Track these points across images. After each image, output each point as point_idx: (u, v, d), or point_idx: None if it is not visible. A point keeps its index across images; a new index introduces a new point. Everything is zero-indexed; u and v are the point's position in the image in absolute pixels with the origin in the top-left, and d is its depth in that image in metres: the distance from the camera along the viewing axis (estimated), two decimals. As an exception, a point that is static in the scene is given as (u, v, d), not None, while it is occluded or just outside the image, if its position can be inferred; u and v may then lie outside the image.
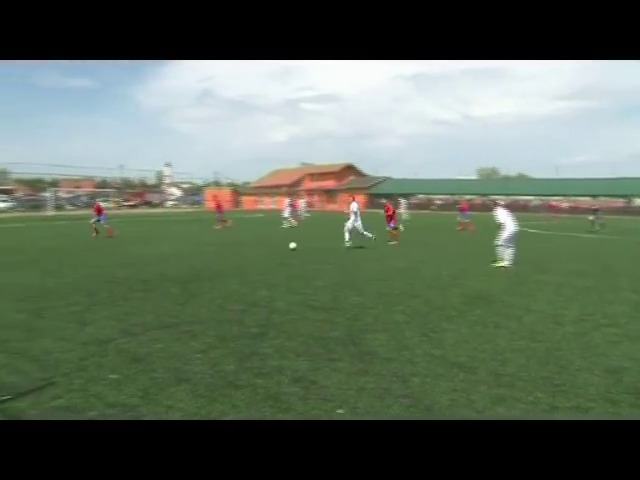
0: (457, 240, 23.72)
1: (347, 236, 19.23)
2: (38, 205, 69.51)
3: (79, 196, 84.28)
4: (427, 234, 27.37)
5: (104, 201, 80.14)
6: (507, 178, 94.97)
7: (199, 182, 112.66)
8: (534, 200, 71.19)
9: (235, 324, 7.59)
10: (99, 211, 24.95)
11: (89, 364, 5.87)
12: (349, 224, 19.43)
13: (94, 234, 23.83)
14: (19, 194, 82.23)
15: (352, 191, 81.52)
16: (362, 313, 8.32)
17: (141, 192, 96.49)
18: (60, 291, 10.28)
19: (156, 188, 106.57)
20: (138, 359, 6.02)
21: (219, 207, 33.38)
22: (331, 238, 22.70)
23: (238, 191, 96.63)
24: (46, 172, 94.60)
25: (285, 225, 32.60)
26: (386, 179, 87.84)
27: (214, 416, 4.49)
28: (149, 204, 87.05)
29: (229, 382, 5.27)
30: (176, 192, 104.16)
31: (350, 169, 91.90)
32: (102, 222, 24.54)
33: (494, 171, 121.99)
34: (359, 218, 19.53)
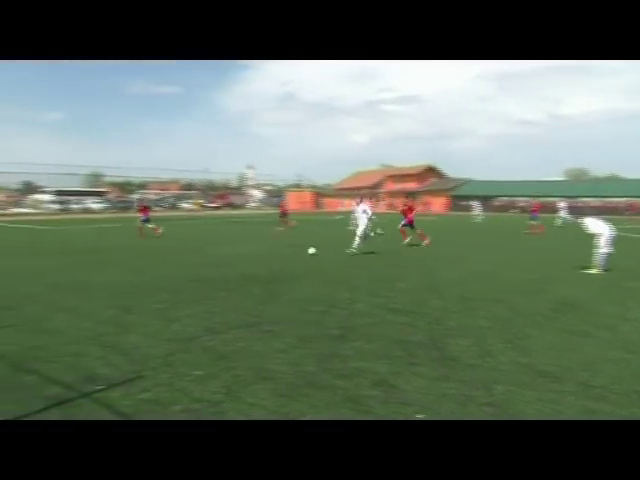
0: (533, 244, 22.88)
1: (358, 241, 17.60)
2: (128, 206, 72.82)
3: (165, 198, 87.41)
4: (501, 238, 26.59)
5: (187, 203, 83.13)
6: (597, 179, 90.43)
7: (281, 184, 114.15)
8: (623, 202, 67.45)
9: (315, 325, 7.64)
10: (144, 212, 26.11)
11: (174, 360, 6.07)
12: (361, 230, 17.85)
13: (142, 235, 24.77)
14: (111, 196, 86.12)
15: (433, 193, 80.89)
16: (443, 317, 8.18)
17: (224, 194, 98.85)
18: (147, 289, 10.71)
19: (239, 190, 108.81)
20: (221, 356, 6.17)
21: (284, 210, 34.16)
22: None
23: (319, 193, 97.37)
24: (135, 175, 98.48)
25: (351, 227, 32.70)
26: (468, 181, 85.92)
27: (293, 416, 4.53)
28: (232, 206, 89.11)
29: (309, 382, 5.31)
30: (258, 194, 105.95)
31: (431, 171, 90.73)
32: (146, 222, 25.62)
33: (583, 172, 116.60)
34: (365, 221, 18.06)
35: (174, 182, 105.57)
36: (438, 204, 77.83)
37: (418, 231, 20.94)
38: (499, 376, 5.53)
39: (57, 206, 69.58)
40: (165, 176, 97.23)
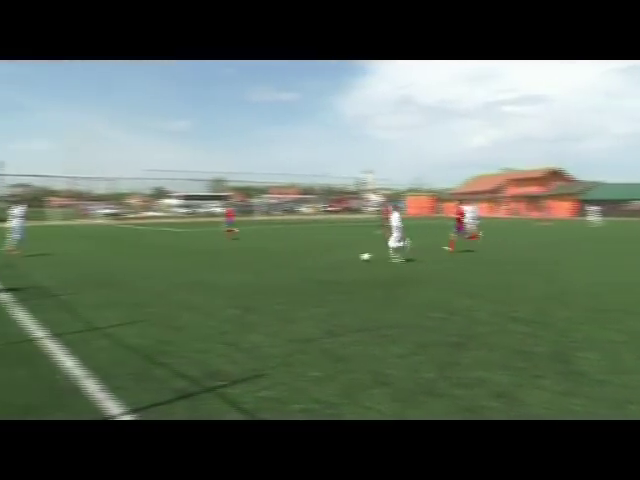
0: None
1: (397, 248, 16.92)
2: (249, 210, 75.65)
3: (285, 202, 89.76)
4: (630, 245, 24.73)
5: (306, 207, 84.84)
6: None
7: (399, 188, 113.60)
8: None
9: (435, 332, 7.52)
10: (230, 216, 29.11)
11: (294, 360, 6.21)
12: (394, 240, 17.02)
13: (230, 237, 26.92)
14: (233, 200, 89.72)
15: (558, 197, 76.84)
16: (570, 329, 7.74)
17: (342, 198, 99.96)
18: (268, 291, 11.06)
19: (357, 194, 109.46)
20: (339, 359, 6.23)
21: (386, 214, 34.24)
22: (533, 248, 21.58)
23: (437, 197, 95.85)
24: (257, 180, 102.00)
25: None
26: (598, 184, 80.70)
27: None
28: (350, 210, 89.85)
29: (427, 389, 5.23)
30: (376, 198, 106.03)
31: (556, 174, 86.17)
32: (230, 225, 28.16)
33: None
34: (399, 230, 17.04)
35: (293, 187, 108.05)
36: (563, 209, 73.79)
37: (466, 236, 20.83)
38: (634, 395, 5.14)
39: (184, 210, 73.53)
40: (284, 181, 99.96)
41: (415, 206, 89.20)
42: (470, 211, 34.77)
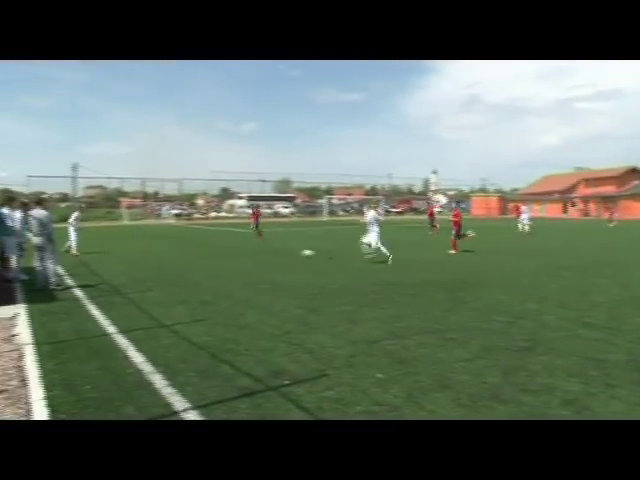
0: None
1: (383, 249, 16.42)
2: (314, 211, 76.27)
3: (350, 203, 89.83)
4: None
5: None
6: None
7: (465, 189, 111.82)
8: None
9: (501, 335, 7.33)
10: (256, 217, 31.49)
11: (357, 362, 6.19)
12: (372, 239, 16.66)
13: (258, 237, 28.67)
14: (298, 201, 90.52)
15: (636, 197, 73.31)
16: (647, 336, 7.39)
17: (407, 199, 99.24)
18: (332, 291, 11.09)
19: (422, 195, 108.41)
20: (403, 361, 6.18)
21: (431, 215, 35.88)
22: (606, 250, 20.79)
23: (505, 198, 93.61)
24: (322, 181, 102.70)
25: (520, 229, 32.99)
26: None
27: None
28: (415, 211, 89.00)
29: (493, 395, 5.10)
30: (442, 199, 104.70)
31: (634, 172, 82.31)
32: (255, 226, 30.61)
33: None
34: (375, 229, 16.68)
35: (358, 187, 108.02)
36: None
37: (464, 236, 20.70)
38: None
39: (250, 210, 74.81)
40: (350, 181, 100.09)
41: (481, 207, 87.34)
42: (525, 211, 34.12)
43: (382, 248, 16.43)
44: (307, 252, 18.11)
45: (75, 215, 21.05)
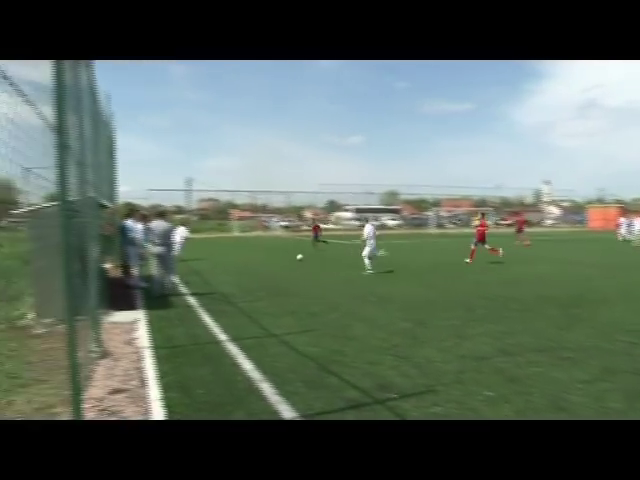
0: None
1: (367, 262, 17.05)
2: (421, 223, 75.45)
3: (457, 215, 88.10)
4: None
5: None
6: None
7: (580, 200, 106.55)
8: None
9: (624, 356, 6.86)
10: (315, 231, 31.35)
11: (466, 378, 6.03)
12: (367, 251, 17.12)
13: (319, 248, 29.23)
14: (405, 213, 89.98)
15: None
16: None
17: (518, 211, 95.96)
18: (440, 304, 10.89)
19: (534, 207, 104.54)
20: (514, 379, 5.94)
21: (521, 225, 34.47)
22: None
23: (626, 209, 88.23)
24: (429, 192, 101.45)
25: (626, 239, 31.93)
26: None
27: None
28: (527, 223, 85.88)
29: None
30: (555, 211, 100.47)
31: None
32: (316, 239, 30.68)
33: None
34: (372, 243, 17.07)
35: (466, 199, 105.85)
36: None
37: (487, 246, 20.35)
38: None
39: (357, 223, 75.21)
40: (457, 193, 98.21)
41: (598, 218, 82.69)
42: (634, 223, 32.03)
43: (366, 260, 17.00)
44: (299, 256, 21.11)
45: (180, 230, 21.12)
